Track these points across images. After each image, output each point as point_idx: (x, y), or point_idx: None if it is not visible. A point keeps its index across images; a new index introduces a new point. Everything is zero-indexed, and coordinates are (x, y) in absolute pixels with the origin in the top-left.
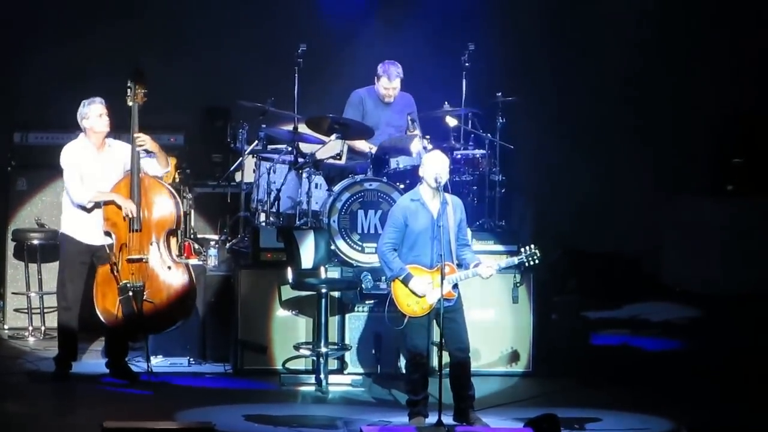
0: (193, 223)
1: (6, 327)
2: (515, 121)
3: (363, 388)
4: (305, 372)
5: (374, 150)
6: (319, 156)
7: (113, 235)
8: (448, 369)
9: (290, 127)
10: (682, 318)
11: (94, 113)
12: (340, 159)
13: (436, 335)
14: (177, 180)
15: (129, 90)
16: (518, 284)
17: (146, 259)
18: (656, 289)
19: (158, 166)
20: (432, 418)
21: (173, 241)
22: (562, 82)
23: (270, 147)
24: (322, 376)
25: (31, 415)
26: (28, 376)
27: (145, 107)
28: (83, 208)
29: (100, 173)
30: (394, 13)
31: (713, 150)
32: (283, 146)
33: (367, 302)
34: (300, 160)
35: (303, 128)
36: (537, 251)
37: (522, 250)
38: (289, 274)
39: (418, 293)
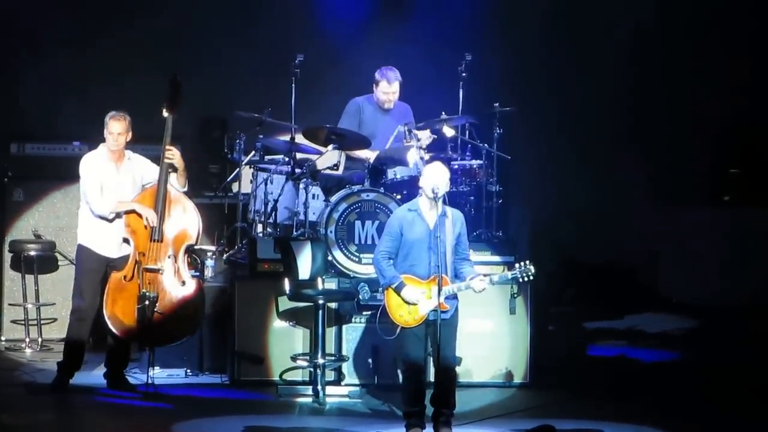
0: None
1: (3, 338)
2: (512, 131)
3: (360, 400)
4: (302, 383)
5: (372, 158)
6: (316, 165)
7: (132, 242)
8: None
9: (287, 138)
10: (680, 329)
11: (109, 128)
12: (337, 169)
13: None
14: None
15: (165, 102)
16: (515, 295)
17: (162, 270)
18: (653, 300)
19: (176, 184)
20: (428, 430)
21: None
22: (559, 93)
23: (267, 157)
24: (319, 387)
25: (29, 428)
26: (25, 387)
27: (143, 117)
28: (103, 218)
29: (114, 185)
30: (391, 24)
31: (710, 160)
32: (280, 157)
33: (364, 313)
34: (297, 170)
35: (300, 138)
36: (531, 267)
37: (516, 265)
38: (286, 285)
39: (408, 301)
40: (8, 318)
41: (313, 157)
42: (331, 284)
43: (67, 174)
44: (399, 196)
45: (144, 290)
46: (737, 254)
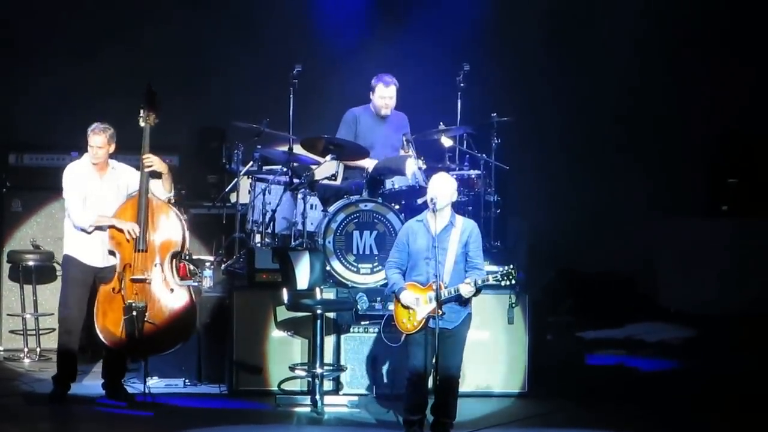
0: (188, 244)
1: (1, 348)
2: (510, 141)
3: (359, 409)
4: (301, 393)
5: (370, 168)
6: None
7: (117, 254)
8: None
9: (285, 148)
10: (678, 338)
11: (90, 142)
12: (335, 180)
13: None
14: (172, 201)
15: (141, 111)
16: (513, 305)
17: (149, 279)
18: (651, 310)
19: (161, 189)
20: None
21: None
22: (557, 103)
23: (265, 168)
24: (317, 397)
25: None
26: (24, 397)
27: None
28: (85, 231)
29: (97, 196)
30: (390, 35)
31: (708, 170)
32: (278, 167)
33: (362, 323)
34: (295, 180)
35: (298, 149)
36: (513, 271)
37: (499, 269)
38: (285, 295)
39: (404, 304)
40: (7, 328)
41: (311, 167)
42: (330, 294)
43: None
44: (397, 206)
45: (130, 301)
46: (735, 263)
